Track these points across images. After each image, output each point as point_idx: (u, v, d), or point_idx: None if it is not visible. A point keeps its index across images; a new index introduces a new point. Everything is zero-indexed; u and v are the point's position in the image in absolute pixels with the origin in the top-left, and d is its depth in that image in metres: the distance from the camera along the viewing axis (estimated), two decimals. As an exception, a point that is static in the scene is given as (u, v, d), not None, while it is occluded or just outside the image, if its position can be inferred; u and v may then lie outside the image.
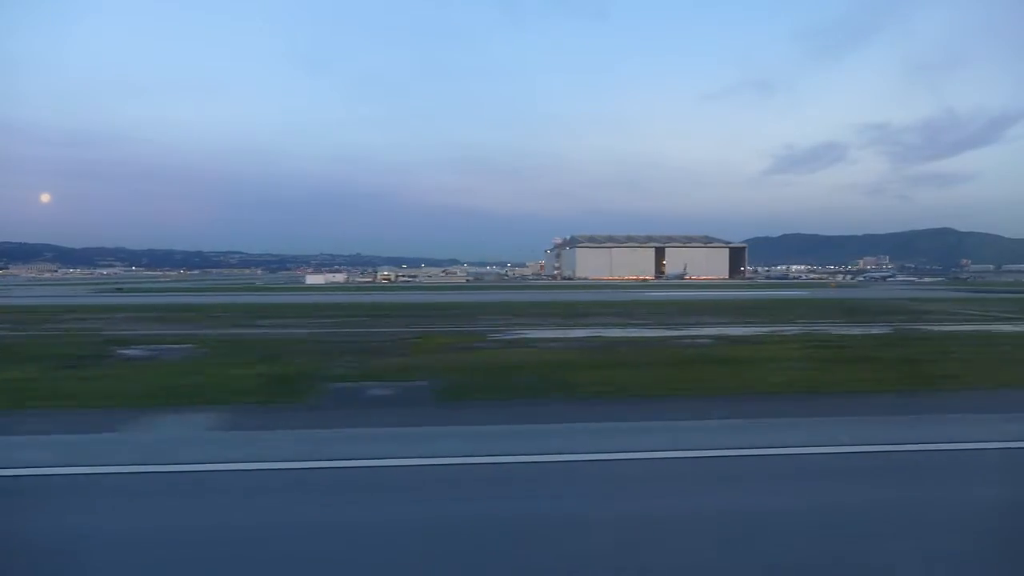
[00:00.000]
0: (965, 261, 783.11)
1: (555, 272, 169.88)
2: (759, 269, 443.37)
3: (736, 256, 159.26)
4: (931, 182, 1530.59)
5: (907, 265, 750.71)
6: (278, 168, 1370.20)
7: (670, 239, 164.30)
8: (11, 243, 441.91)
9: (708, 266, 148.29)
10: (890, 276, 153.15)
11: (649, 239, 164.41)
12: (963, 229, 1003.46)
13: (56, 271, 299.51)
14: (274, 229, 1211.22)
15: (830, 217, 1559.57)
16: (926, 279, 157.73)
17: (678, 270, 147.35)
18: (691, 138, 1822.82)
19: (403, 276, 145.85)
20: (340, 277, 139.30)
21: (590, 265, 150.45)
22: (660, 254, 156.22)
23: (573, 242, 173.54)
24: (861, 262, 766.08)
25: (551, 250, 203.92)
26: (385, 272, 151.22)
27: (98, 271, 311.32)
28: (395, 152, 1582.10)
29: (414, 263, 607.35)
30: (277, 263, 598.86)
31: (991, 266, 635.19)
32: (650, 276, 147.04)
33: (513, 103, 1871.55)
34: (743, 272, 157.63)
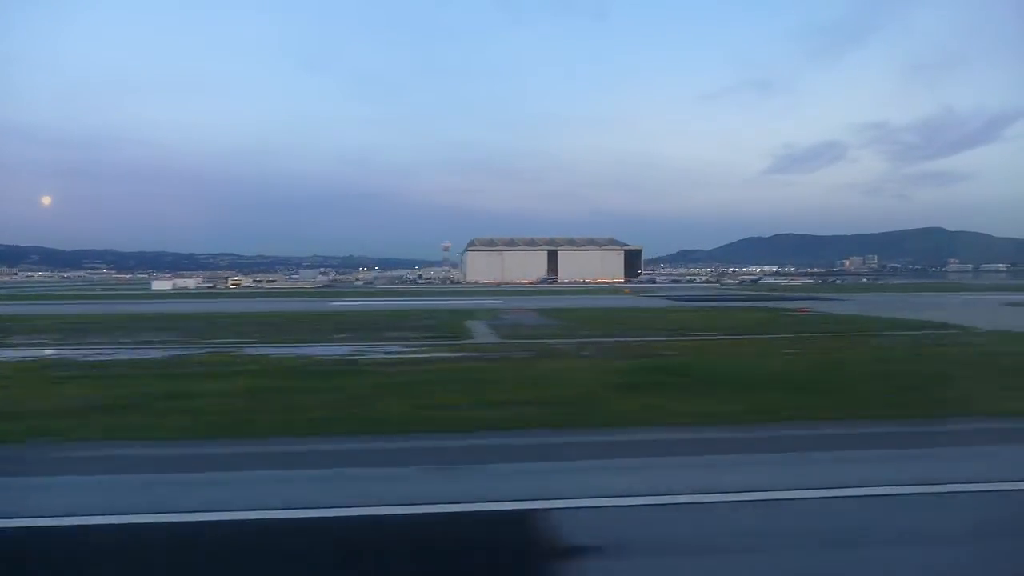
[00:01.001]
0: (952, 260, 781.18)
1: (448, 276, 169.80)
2: (734, 271, 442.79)
3: (632, 258, 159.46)
4: (929, 181, 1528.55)
5: (892, 265, 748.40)
6: (275, 168, 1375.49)
7: (572, 242, 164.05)
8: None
9: (603, 269, 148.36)
10: (759, 279, 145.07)
11: (551, 242, 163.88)
12: (953, 228, 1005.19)
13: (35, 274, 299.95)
14: (269, 230, 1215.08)
15: (824, 217, 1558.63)
16: (802, 280, 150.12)
17: (543, 274, 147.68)
18: (690, 138, 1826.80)
19: (261, 281, 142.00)
20: (191, 282, 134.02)
21: (481, 268, 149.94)
22: (553, 257, 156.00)
23: (471, 245, 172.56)
24: (847, 262, 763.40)
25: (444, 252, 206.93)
26: (236, 278, 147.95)
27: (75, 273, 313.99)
28: (392, 152, 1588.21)
29: (407, 264, 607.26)
30: (267, 265, 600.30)
31: (969, 265, 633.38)
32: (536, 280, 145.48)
33: (511, 103, 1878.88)
34: (640, 274, 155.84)
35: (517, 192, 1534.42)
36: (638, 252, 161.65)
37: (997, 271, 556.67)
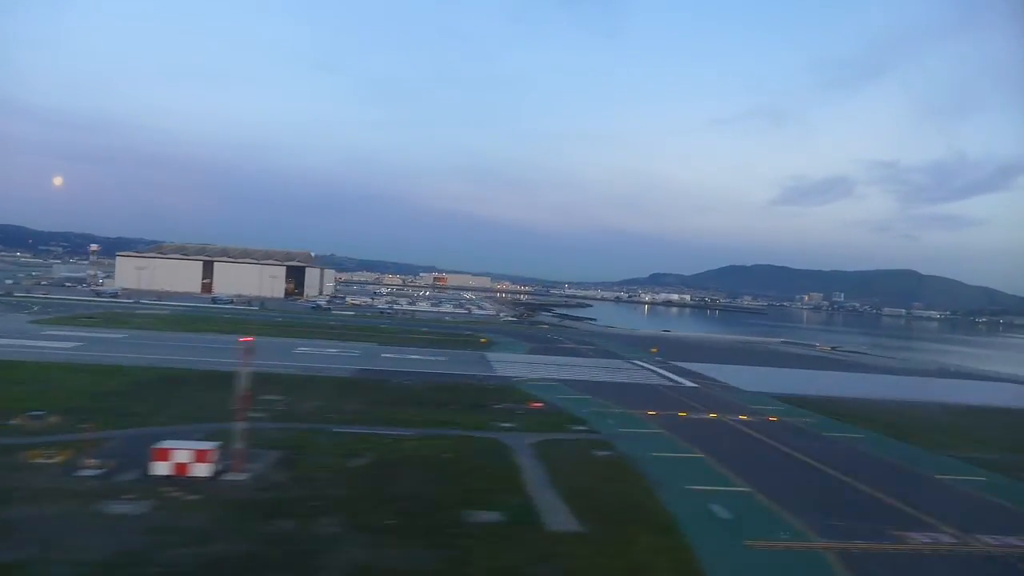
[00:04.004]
0: (917, 304, 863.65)
1: (101, 281, 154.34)
2: (639, 294, 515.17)
3: (295, 274, 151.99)
4: (935, 224, 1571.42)
5: (843, 303, 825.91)
6: (273, 164, 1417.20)
7: (246, 253, 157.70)
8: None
9: (262, 283, 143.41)
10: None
11: (223, 252, 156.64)
12: (925, 272, 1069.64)
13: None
14: (262, 225, 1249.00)
15: (807, 251, 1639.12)
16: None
17: (197, 285, 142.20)
18: (697, 162, 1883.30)
19: None
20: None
21: (130, 275, 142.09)
22: (208, 268, 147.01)
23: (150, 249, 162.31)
24: (807, 297, 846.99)
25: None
26: None
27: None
28: (395, 156, 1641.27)
29: (390, 269, 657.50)
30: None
31: (902, 310, 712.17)
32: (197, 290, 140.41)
33: (520, 115, 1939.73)
34: (292, 289, 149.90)
35: (517, 203, 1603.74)
36: (302, 269, 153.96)
37: (930, 319, 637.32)
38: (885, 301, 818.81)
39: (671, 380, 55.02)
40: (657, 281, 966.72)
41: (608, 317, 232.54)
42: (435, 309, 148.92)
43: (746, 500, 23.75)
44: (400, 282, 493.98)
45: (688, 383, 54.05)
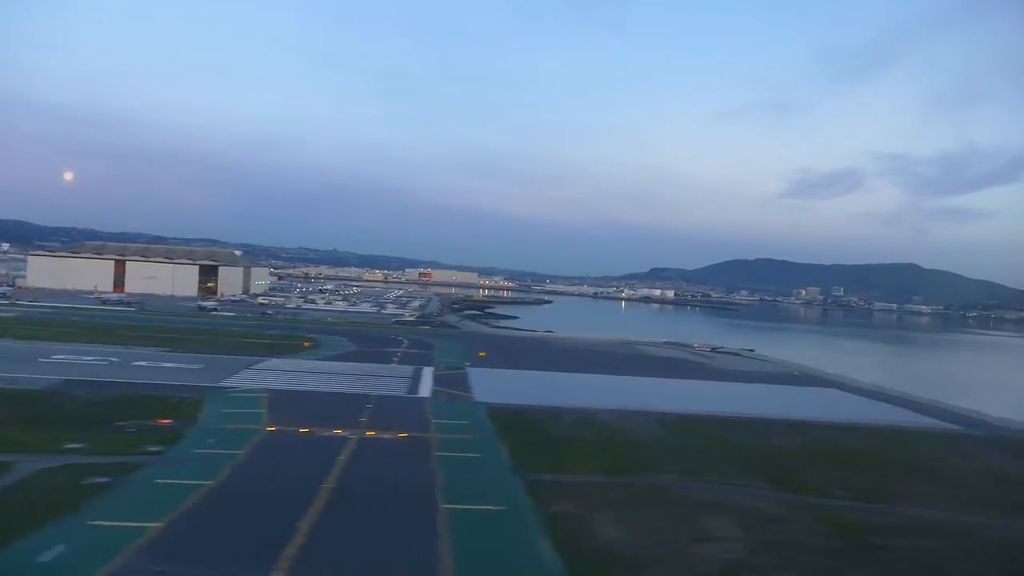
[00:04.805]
0: (916, 298, 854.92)
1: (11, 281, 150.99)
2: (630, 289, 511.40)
3: (208, 273, 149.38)
4: (944, 217, 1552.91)
5: (842, 297, 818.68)
6: (278, 159, 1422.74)
7: (171, 252, 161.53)
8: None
9: (176, 282, 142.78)
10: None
11: (146, 250, 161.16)
12: (928, 266, 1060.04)
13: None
14: (262, 220, 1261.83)
15: (812, 246, 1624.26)
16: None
17: (109, 284, 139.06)
18: (704, 156, 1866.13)
19: None
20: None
21: (43, 274, 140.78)
22: (121, 267, 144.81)
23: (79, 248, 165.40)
24: (803, 292, 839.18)
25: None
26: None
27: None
28: (399, 151, 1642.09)
29: (392, 264, 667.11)
30: (242, 253, 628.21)
31: (893, 305, 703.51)
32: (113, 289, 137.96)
33: (523, 109, 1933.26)
34: (211, 288, 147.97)
35: (520, 197, 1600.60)
36: (214, 268, 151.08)
37: (920, 314, 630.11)
38: (885, 295, 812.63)
39: (419, 393, 53.04)
40: (656, 276, 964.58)
41: (559, 316, 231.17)
42: (351, 308, 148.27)
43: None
44: (382, 278, 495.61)
45: (426, 393, 52.20)
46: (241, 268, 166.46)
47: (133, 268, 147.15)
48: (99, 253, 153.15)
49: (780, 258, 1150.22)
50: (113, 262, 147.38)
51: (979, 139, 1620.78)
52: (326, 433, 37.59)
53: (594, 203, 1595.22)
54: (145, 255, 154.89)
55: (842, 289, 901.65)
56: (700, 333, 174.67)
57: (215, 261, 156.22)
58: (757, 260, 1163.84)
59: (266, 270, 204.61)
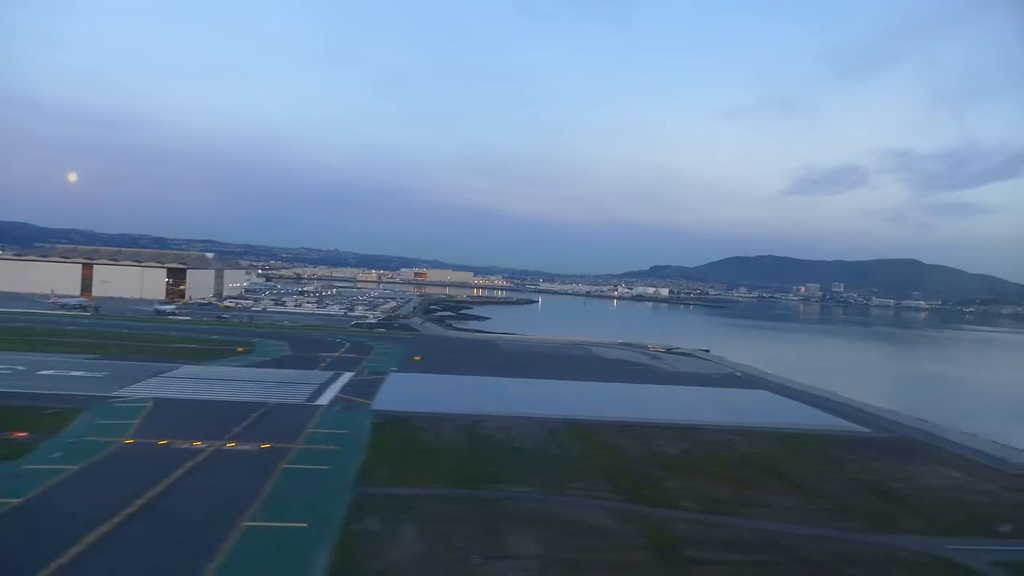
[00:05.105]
0: (916, 294, 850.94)
1: None
2: (625, 287, 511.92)
3: (177, 276, 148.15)
4: (947, 212, 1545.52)
5: (842, 294, 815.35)
6: (281, 159, 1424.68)
7: (139, 254, 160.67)
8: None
9: (144, 285, 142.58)
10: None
11: (116, 253, 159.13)
12: (928, 261, 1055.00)
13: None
14: (263, 220, 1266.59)
15: (815, 242, 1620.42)
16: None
17: (76, 289, 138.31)
18: (708, 154, 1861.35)
19: None
20: None
21: (4, 278, 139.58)
22: (88, 271, 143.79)
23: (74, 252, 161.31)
24: (802, 288, 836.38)
25: None
26: None
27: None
28: (403, 150, 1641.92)
29: (393, 264, 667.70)
30: (242, 253, 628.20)
31: (890, 301, 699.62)
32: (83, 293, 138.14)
33: (527, 108, 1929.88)
34: (181, 291, 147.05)
35: (523, 196, 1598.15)
36: (183, 271, 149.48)
37: (918, 309, 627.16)
38: (886, 291, 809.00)
39: (318, 400, 52.18)
40: (656, 274, 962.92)
41: (539, 317, 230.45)
42: (317, 311, 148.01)
43: None
44: (376, 278, 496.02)
45: (325, 401, 51.58)
46: (212, 271, 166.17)
47: (100, 272, 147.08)
48: (67, 257, 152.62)
49: (782, 255, 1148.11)
50: (80, 266, 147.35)
51: (982, 135, 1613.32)
52: (184, 446, 37.06)
53: (596, 201, 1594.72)
54: (114, 259, 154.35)
55: (842, 285, 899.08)
56: (676, 333, 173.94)
57: (184, 264, 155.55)
58: (759, 257, 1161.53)
59: (242, 272, 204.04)
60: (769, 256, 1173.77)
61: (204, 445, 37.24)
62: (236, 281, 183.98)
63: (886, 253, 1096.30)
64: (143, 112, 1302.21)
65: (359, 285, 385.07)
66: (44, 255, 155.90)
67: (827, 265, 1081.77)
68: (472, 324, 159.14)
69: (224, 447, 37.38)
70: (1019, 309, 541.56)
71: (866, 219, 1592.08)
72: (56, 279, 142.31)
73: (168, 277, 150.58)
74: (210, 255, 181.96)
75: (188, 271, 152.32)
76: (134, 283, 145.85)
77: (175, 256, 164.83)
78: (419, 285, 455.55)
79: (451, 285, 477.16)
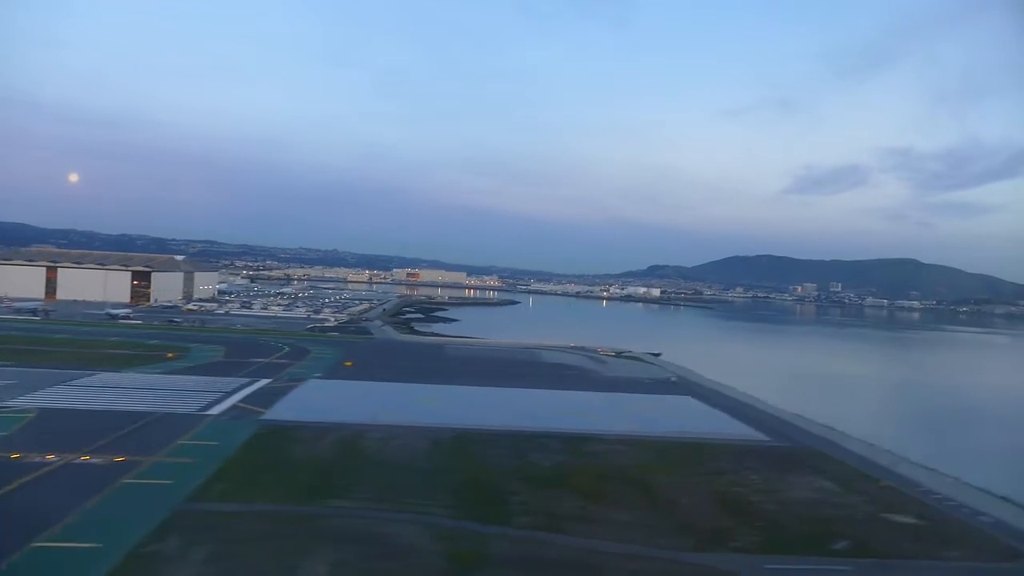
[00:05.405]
0: (914, 293, 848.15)
1: None
2: (617, 288, 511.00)
3: (142, 279, 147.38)
4: (948, 211, 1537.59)
5: (840, 293, 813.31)
6: (281, 159, 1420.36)
7: (105, 257, 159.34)
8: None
9: (108, 289, 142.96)
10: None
11: (82, 256, 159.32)
12: (926, 261, 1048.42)
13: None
14: (262, 220, 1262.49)
15: (814, 242, 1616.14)
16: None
17: (40, 292, 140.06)
18: (708, 154, 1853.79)
19: None
20: None
21: None
22: (53, 274, 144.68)
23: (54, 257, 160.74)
24: (799, 288, 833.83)
25: None
26: None
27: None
28: (402, 150, 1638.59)
29: (393, 264, 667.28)
30: (240, 253, 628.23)
31: (884, 301, 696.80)
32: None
33: (527, 107, 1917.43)
34: (148, 294, 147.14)
35: (523, 195, 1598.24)
36: (147, 274, 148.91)
37: (911, 309, 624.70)
38: (883, 291, 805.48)
39: (211, 410, 51.71)
40: (653, 273, 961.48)
41: (514, 318, 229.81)
42: (282, 313, 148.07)
43: None
44: (368, 279, 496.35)
45: (218, 411, 51.25)
46: (181, 273, 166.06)
47: (65, 275, 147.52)
48: (32, 260, 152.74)
49: (781, 254, 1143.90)
50: (44, 269, 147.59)
51: (983, 134, 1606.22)
52: (35, 459, 36.89)
53: (596, 201, 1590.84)
54: (79, 262, 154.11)
55: (840, 285, 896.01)
56: (646, 334, 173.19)
57: (149, 267, 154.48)
58: (757, 257, 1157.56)
59: (215, 274, 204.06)
60: (768, 256, 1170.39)
61: (56, 459, 37.01)
62: (208, 283, 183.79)
63: (885, 253, 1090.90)
64: (143, 112, 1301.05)
65: (350, 286, 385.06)
66: (7, 259, 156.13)
67: (825, 265, 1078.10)
68: (436, 327, 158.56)
69: (76, 460, 37.18)
70: (1012, 309, 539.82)
71: (865, 219, 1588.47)
72: (20, 282, 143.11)
73: (134, 280, 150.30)
74: (180, 258, 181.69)
75: (153, 274, 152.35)
76: (97, 286, 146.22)
77: (144, 259, 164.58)
78: (411, 286, 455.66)
79: (443, 286, 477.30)
